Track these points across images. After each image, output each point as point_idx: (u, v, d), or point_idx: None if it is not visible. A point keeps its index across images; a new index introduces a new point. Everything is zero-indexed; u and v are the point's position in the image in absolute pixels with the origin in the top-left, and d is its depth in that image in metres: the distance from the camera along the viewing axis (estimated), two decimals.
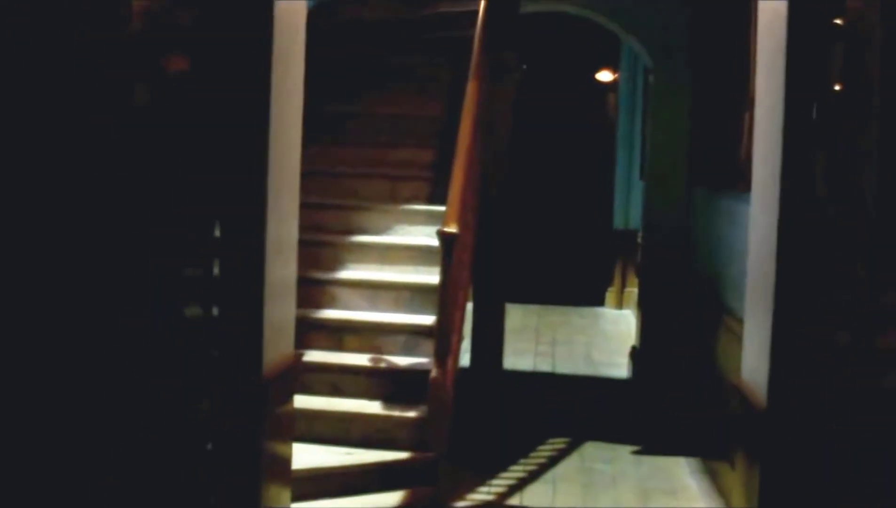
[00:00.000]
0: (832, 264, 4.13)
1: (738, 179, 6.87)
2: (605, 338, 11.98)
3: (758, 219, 4.68)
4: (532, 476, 6.92)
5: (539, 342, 11.65)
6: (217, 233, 3.88)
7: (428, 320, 6.77)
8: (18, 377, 2.11)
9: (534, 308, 13.25)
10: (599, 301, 13.97)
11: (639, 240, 10.99)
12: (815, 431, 4.12)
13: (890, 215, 4.06)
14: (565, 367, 10.51)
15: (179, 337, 3.38)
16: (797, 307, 4.21)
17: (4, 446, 2.08)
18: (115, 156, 2.58)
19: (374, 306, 7.07)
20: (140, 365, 2.90)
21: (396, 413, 6.34)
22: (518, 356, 10.44)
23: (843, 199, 4.14)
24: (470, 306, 7.98)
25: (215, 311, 3.87)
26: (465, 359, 8.09)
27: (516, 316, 11.66)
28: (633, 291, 12.68)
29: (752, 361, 4.61)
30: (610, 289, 13.93)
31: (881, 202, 4.08)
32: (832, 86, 4.25)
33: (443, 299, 6.37)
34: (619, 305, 13.71)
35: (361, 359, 6.70)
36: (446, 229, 6.29)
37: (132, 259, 2.75)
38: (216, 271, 3.90)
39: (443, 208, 6.71)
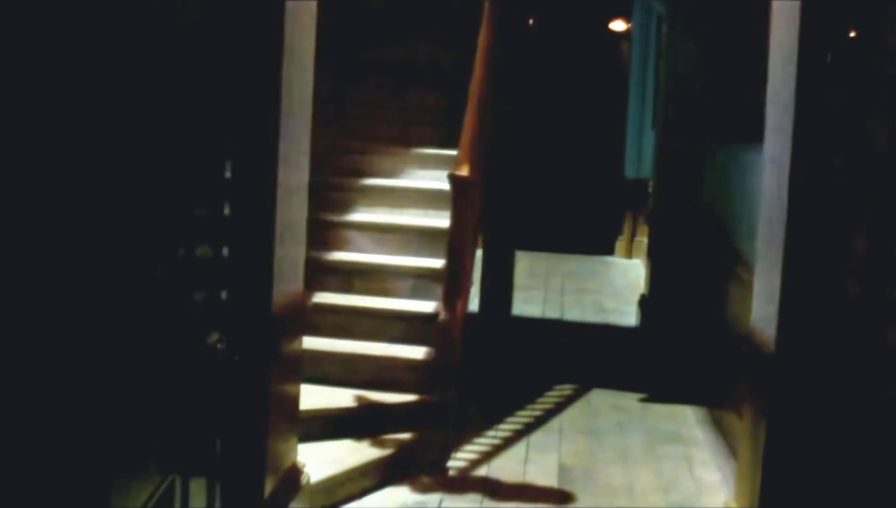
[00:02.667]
0: (843, 213, 4.12)
1: (752, 128, 6.83)
2: (615, 287, 11.98)
3: (770, 167, 4.67)
4: (539, 422, 6.93)
5: (548, 289, 11.65)
6: (228, 174, 3.87)
7: (437, 263, 6.78)
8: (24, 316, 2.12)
9: (543, 256, 13.24)
10: (609, 250, 13.96)
11: (649, 190, 10.95)
12: (823, 378, 4.13)
13: None
14: (574, 314, 10.52)
15: (190, 275, 3.38)
16: (808, 254, 4.21)
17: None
18: (126, 93, 2.57)
19: (383, 249, 7.08)
20: (149, 303, 2.90)
21: (404, 356, 6.36)
22: (527, 303, 10.45)
23: (856, 147, 4.12)
24: (479, 252, 7.98)
25: (225, 251, 3.86)
26: (473, 304, 8.09)
27: (526, 264, 11.65)
28: (643, 240, 12.65)
29: (762, 307, 4.62)
30: (620, 238, 13.91)
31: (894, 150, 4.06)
32: (847, 33, 4.22)
33: (452, 242, 6.37)
34: (629, 254, 13.70)
35: (370, 301, 6.72)
36: (458, 173, 6.29)
37: (142, 199, 2.74)
38: (227, 212, 3.90)
39: (454, 152, 6.71)
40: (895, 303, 4.02)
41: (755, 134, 5.08)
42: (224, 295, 3.86)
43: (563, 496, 5.67)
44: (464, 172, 6.30)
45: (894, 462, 4.00)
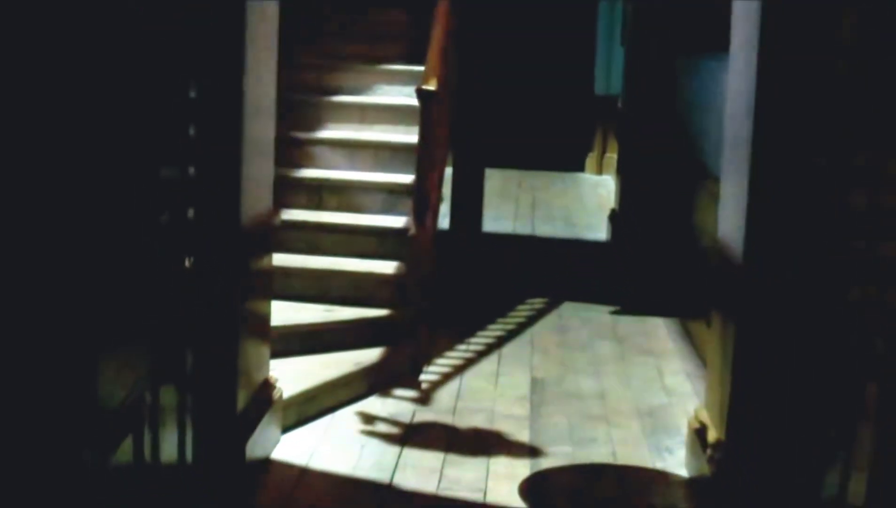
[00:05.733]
0: (808, 124, 4.13)
1: (719, 39, 6.81)
2: (585, 202, 11.99)
3: (736, 78, 4.67)
4: (510, 335, 6.97)
5: (519, 205, 11.66)
6: (193, 94, 3.83)
7: (407, 179, 6.77)
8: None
9: (514, 173, 13.22)
10: (580, 167, 13.94)
11: (619, 106, 10.93)
12: (789, 286, 4.17)
13: (864, 75, 4.04)
14: (545, 230, 10.54)
15: (156, 198, 3.36)
16: (773, 166, 4.22)
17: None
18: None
19: (353, 166, 7.07)
20: (119, 219, 2.89)
21: (375, 271, 6.38)
22: (498, 220, 10.46)
23: (820, 58, 4.11)
24: (449, 170, 7.97)
25: (192, 171, 3.84)
26: (444, 222, 8.10)
27: (496, 181, 11.64)
28: (612, 157, 12.65)
29: (729, 216, 4.64)
30: (590, 155, 13.89)
31: (856, 63, 4.06)
32: None
33: (421, 156, 6.36)
34: (600, 170, 13.69)
35: (340, 217, 6.72)
36: (425, 87, 6.27)
37: (101, 122, 2.72)
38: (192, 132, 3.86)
39: (422, 68, 6.68)
40: (855, 213, 4.05)
41: (722, 44, 5.07)
42: (192, 213, 3.84)
43: (534, 406, 5.72)
44: (431, 85, 6.27)
45: (857, 364, 4.06)
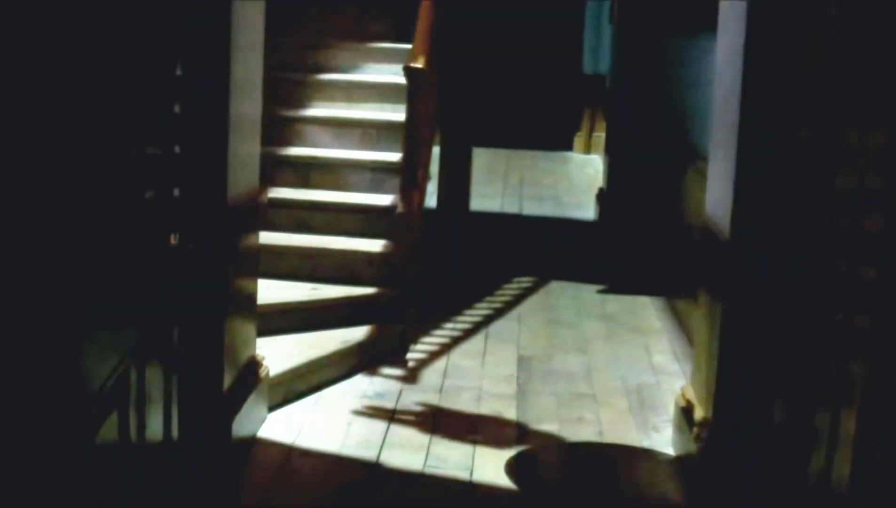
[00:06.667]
0: (795, 104, 4.12)
1: (707, 18, 6.80)
2: (573, 181, 11.99)
3: (724, 57, 4.67)
4: (498, 313, 6.97)
5: (506, 184, 11.65)
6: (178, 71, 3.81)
7: (394, 157, 6.76)
8: None
9: (502, 152, 13.21)
10: (568, 146, 13.94)
11: (607, 85, 10.92)
12: (776, 265, 4.17)
13: (851, 55, 4.03)
14: (532, 209, 10.54)
15: (141, 175, 3.34)
16: (760, 145, 4.22)
17: None
18: None
19: (340, 144, 7.05)
20: (106, 197, 2.87)
21: (362, 249, 6.37)
22: (485, 199, 10.45)
23: (807, 36, 4.11)
24: (437, 149, 7.96)
25: (177, 149, 3.81)
26: (432, 201, 8.10)
27: (484, 160, 11.62)
28: (601, 136, 12.64)
29: (717, 194, 4.64)
30: (578, 134, 13.88)
31: (844, 43, 4.06)
32: None
33: (409, 134, 6.36)
34: (588, 150, 13.69)
35: (328, 195, 6.70)
36: (412, 64, 6.25)
37: (86, 99, 2.70)
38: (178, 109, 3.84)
39: (410, 46, 6.67)
40: (840, 190, 4.05)
41: (711, 23, 5.06)
42: (178, 191, 3.82)
43: (521, 384, 5.72)
44: (419, 63, 6.26)
45: (841, 341, 4.07)
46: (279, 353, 5.38)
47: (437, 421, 5.21)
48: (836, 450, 4.12)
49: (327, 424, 5.10)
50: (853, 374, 4.08)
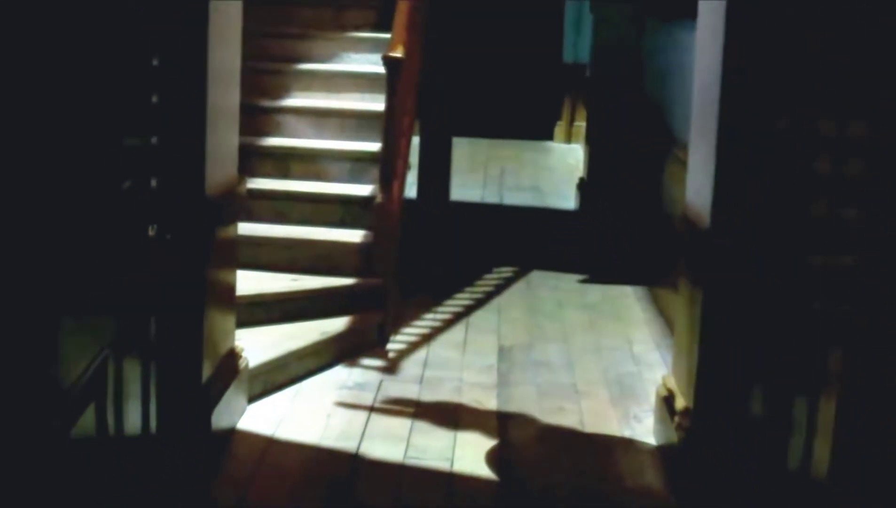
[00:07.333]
0: (774, 92, 4.12)
1: (688, 6, 6.79)
2: (553, 171, 11.97)
3: (704, 45, 4.66)
4: (478, 304, 6.96)
5: (487, 174, 11.63)
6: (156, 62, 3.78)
7: (374, 147, 6.74)
8: None
9: (482, 142, 13.18)
10: (548, 135, 13.91)
11: (587, 74, 10.91)
12: (756, 251, 4.16)
13: (830, 41, 4.03)
14: (513, 199, 10.52)
15: (118, 166, 3.31)
16: (740, 134, 4.21)
17: None
18: None
19: (319, 134, 7.02)
20: (83, 188, 2.85)
21: (342, 239, 6.34)
22: (465, 189, 10.42)
23: (788, 23, 4.10)
24: (416, 139, 7.94)
25: (155, 139, 3.79)
26: (412, 191, 8.07)
27: (464, 150, 11.60)
28: (581, 125, 12.62)
29: (697, 183, 4.64)
30: (559, 123, 13.86)
31: (823, 31, 4.05)
32: None
33: (388, 123, 6.33)
34: (568, 139, 13.67)
35: (307, 186, 6.67)
36: (391, 54, 6.23)
37: (62, 90, 2.67)
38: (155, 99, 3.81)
39: (389, 36, 6.64)
40: (818, 177, 4.05)
41: (691, 11, 5.05)
42: (155, 181, 3.80)
43: (501, 374, 5.71)
44: (398, 53, 6.23)
45: (820, 329, 4.07)
46: (259, 344, 5.36)
47: (418, 412, 5.19)
48: (815, 438, 4.13)
49: (307, 415, 5.08)
50: (832, 362, 4.08)
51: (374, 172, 6.59)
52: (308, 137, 6.99)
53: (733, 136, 4.23)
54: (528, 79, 14.11)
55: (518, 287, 7.42)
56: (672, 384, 4.81)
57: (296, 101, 7.24)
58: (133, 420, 3.52)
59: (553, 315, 6.83)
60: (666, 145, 7.44)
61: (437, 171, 8.36)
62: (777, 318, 4.15)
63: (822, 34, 4.02)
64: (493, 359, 5.95)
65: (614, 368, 5.89)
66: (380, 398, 5.34)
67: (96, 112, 3.04)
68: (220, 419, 4.63)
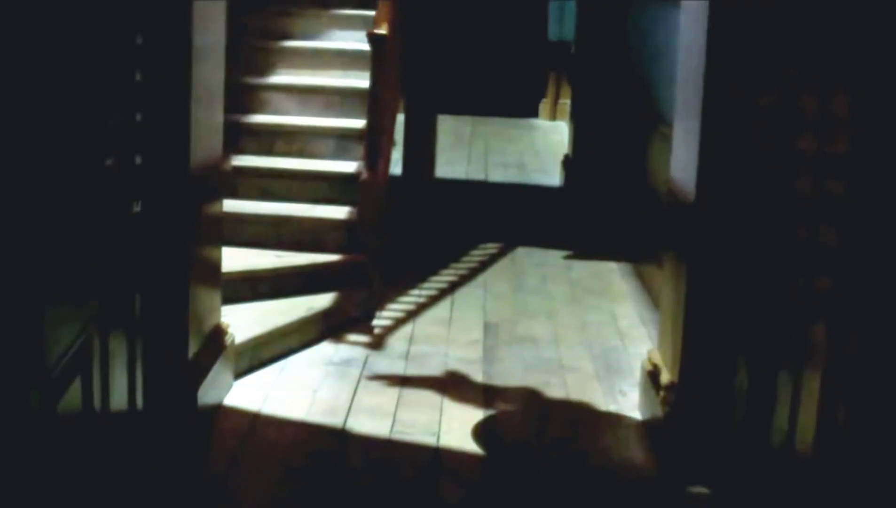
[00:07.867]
0: (758, 68, 4.12)
1: None
2: (538, 148, 11.98)
3: (688, 21, 4.66)
4: (463, 280, 6.97)
5: (472, 151, 11.64)
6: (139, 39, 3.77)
7: (358, 123, 6.74)
8: None
9: (467, 120, 13.19)
10: (533, 113, 13.93)
11: (572, 51, 10.91)
12: (739, 227, 4.18)
13: (814, 22, 4.04)
14: (498, 176, 10.53)
15: (102, 143, 3.31)
16: (724, 109, 4.22)
17: None
18: None
19: (304, 111, 7.01)
20: (67, 165, 2.85)
21: (327, 216, 6.35)
22: (450, 166, 10.43)
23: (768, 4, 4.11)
24: (401, 116, 7.93)
25: (139, 117, 3.78)
26: (397, 168, 8.07)
27: (449, 127, 11.60)
28: (566, 102, 12.63)
29: (681, 159, 4.65)
30: (544, 101, 13.87)
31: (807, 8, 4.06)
32: None
33: (373, 100, 6.33)
34: (553, 116, 13.68)
35: (292, 163, 6.67)
36: (376, 31, 6.22)
37: (45, 67, 2.67)
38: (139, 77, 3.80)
39: (374, 13, 6.64)
40: (802, 154, 4.07)
41: None
42: (140, 158, 3.79)
43: (487, 350, 5.73)
44: (382, 30, 6.23)
45: (803, 304, 4.10)
46: (245, 320, 5.36)
47: (404, 387, 5.21)
48: (799, 411, 4.15)
49: (293, 391, 5.09)
50: (815, 336, 4.11)
51: (359, 149, 6.60)
52: (293, 115, 6.99)
53: (718, 111, 4.23)
54: (513, 56, 14.11)
55: (503, 263, 7.43)
56: (657, 359, 4.82)
57: (281, 78, 7.23)
58: (119, 397, 3.52)
59: (538, 291, 6.84)
60: (651, 122, 7.44)
61: (422, 148, 8.36)
62: (761, 292, 4.17)
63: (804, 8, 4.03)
64: (478, 335, 5.97)
65: (599, 343, 5.90)
66: (366, 373, 5.35)
67: (80, 89, 3.03)
68: (207, 395, 4.63)
